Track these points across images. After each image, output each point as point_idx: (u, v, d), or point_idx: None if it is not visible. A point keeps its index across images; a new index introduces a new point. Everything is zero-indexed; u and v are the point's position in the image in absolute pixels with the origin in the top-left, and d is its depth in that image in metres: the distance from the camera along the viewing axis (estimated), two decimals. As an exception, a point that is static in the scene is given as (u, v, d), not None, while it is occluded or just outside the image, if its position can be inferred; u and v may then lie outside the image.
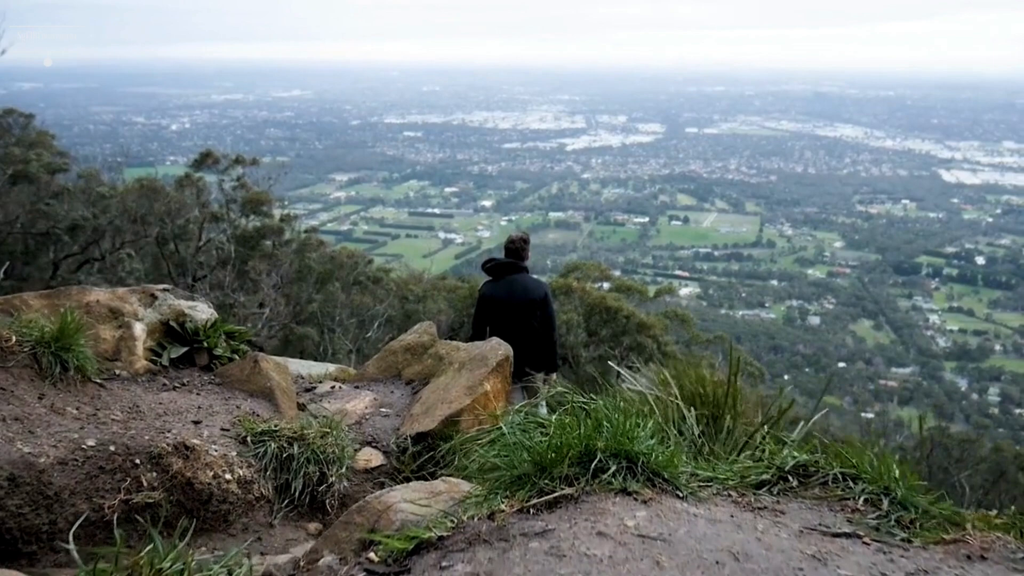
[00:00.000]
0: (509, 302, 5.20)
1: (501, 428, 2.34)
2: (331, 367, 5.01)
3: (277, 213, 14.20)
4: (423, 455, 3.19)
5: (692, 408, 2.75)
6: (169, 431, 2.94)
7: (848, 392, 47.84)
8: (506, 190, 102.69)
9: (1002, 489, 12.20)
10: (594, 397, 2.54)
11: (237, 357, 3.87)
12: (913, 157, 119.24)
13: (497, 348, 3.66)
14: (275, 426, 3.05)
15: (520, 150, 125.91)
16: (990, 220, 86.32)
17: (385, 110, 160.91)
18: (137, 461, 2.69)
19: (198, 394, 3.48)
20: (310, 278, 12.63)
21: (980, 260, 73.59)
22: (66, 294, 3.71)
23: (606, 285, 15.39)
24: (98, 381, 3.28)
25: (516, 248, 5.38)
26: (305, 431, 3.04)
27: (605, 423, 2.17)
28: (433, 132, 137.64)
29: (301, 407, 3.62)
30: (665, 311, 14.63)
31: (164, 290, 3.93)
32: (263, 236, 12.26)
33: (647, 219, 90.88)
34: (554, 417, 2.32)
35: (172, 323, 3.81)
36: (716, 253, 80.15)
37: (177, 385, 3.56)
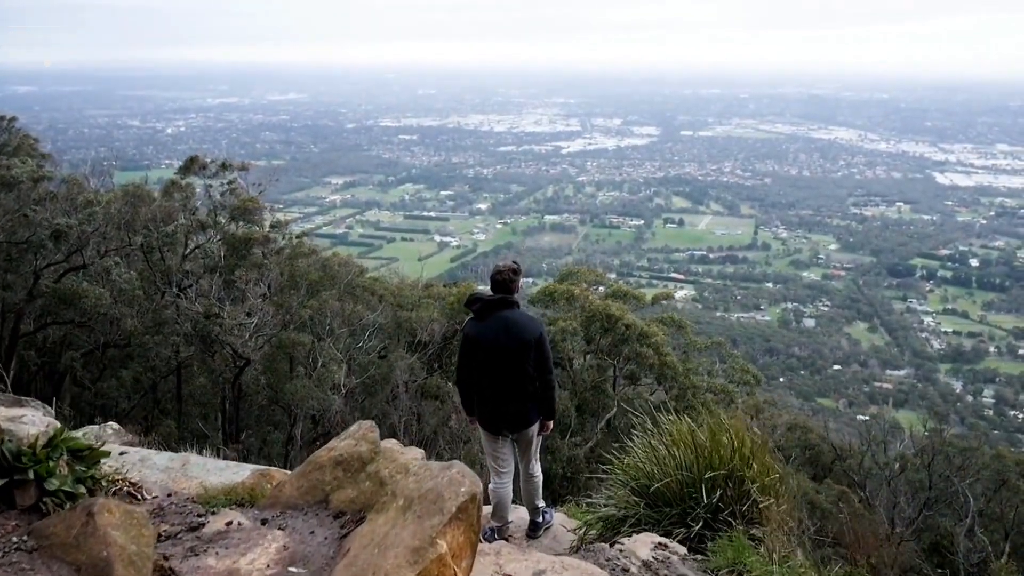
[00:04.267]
0: (498, 345, 4.46)
1: None
2: (246, 473, 3.74)
3: (268, 219, 13.99)
4: None
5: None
6: None
7: (844, 394, 47.88)
8: (501, 193, 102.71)
9: (1004, 497, 12.08)
10: None
11: (84, 490, 2.76)
12: (907, 159, 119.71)
13: (459, 483, 2.62)
14: None
15: (515, 153, 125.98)
16: (984, 222, 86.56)
17: (381, 113, 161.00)
18: None
19: (-10, 574, 2.30)
20: (302, 286, 12.43)
21: (974, 262, 73.74)
22: None
23: (601, 289, 15.24)
24: None
25: (504, 280, 4.54)
26: None
27: None
28: (429, 135, 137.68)
29: (167, 572, 2.55)
30: (661, 316, 14.49)
31: None
32: (252, 244, 12.05)
33: (642, 222, 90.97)
34: None
35: None
36: (711, 256, 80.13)
37: (-35, 553, 2.32)
